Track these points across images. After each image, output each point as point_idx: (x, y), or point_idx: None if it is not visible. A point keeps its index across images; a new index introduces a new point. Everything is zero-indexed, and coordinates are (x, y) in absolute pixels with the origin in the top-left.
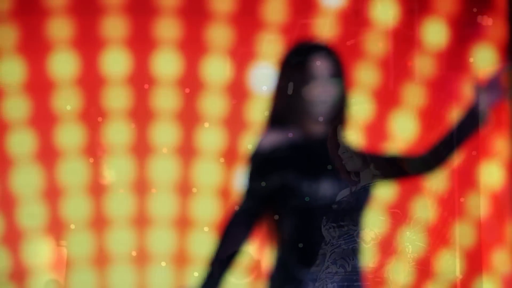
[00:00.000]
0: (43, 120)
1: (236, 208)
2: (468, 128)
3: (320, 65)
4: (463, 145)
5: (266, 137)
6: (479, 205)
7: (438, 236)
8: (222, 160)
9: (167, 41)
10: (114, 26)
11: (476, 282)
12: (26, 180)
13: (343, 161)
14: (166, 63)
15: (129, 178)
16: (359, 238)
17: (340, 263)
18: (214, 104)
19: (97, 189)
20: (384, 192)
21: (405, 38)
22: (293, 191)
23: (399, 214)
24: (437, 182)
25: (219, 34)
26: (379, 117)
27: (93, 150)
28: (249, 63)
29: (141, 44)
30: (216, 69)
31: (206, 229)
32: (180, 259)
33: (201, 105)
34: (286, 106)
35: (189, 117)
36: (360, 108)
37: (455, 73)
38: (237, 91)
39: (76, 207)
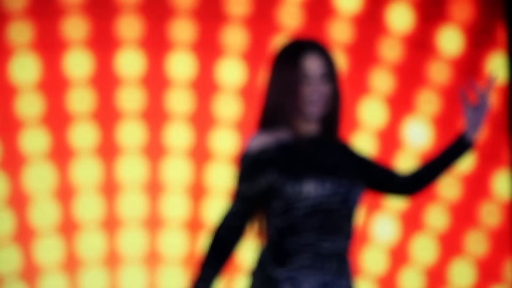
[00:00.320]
0: (57, 119)
1: (227, 210)
2: (457, 152)
3: (312, 63)
4: (449, 169)
5: (256, 137)
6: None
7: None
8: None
9: (181, 43)
10: (130, 27)
11: None
12: (39, 178)
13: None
14: (181, 65)
15: (142, 179)
16: (343, 240)
17: (320, 264)
18: (228, 107)
19: (109, 190)
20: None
21: (420, 44)
22: (281, 192)
23: None
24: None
25: (235, 37)
26: (393, 124)
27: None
28: (264, 67)
29: (156, 45)
30: (231, 72)
31: None
32: (192, 262)
33: (215, 108)
34: (277, 105)
35: (202, 120)
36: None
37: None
38: (251, 94)
39: (88, 207)
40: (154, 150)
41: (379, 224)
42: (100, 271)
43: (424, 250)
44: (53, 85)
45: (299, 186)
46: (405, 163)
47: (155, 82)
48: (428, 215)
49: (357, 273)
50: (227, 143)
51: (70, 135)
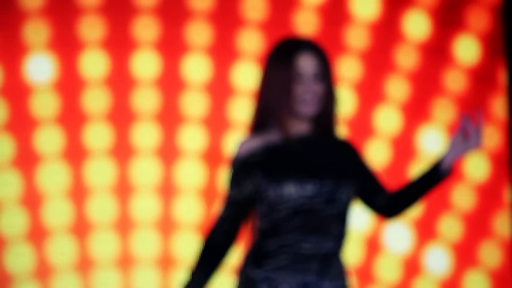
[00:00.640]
0: (72, 119)
1: (218, 215)
2: (431, 181)
3: (305, 62)
4: (423, 197)
5: (246, 141)
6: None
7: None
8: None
9: (197, 46)
10: (146, 29)
11: None
12: (53, 178)
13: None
14: (197, 68)
15: (156, 181)
16: (329, 240)
17: (299, 265)
18: (244, 110)
19: (123, 191)
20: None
21: (437, 51)
22: (264, 195)
23: None
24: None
25: (251, 41)
26: (408, 132)
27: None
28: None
29: (172, 47)
30: (247, 75)
31: None
32: None
33: (230, 111)
34: (270, 103)
35: (217, 123)
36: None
37: (484, 88)
38: None
39: (102, 208)
40: (169, 152)
41: (392, 233)
42: (113, 272)
43: (438, 260)
44: (69, 85)
45: (280, 189)
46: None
47: (171, 84)
48: (441, 225)
49: (350, 274)
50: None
51: (85, 136)
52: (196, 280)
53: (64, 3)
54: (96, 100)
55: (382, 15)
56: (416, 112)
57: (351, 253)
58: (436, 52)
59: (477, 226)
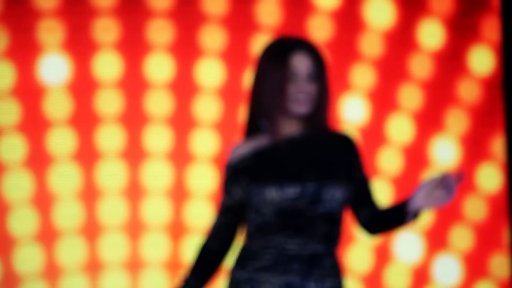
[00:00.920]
0: (85, 120)
1: (213, 221)
2: (399, 219)
3: (299, 61)
4: (396, 228)
5: (237, 147)
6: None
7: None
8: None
9: (212, 49)
10: (160, 32)
11: None
12: (64, 179)
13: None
14: (210, 71)
15: (167, 184)
16: (316, 241)
17: (282, 266)
18: None
19: (134, 193)
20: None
21: (451, 60)
22: (250, 200)
23: None
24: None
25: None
26: (420, 141)
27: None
28: None
29: (186, 51)
30: None
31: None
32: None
33: (242, 115)
34: (263, 102)
35: (229, 127)
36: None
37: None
38: None
39: (112, 210)
40: (181, 156)
41: (403, 242)
42: (122, 275)
43: (448, 270)
44: (82, 86)
45: (263, 194)
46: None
47: (184, 87)
48: (452, 235)
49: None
50: None
51: (97, 138)
52: (189, 286)
53: (79, 4)
54: (109, 102)
55: (397, 23)
56: (429, 121)
57: (362, 262)
58: (450, 61)
59: (488, 236)
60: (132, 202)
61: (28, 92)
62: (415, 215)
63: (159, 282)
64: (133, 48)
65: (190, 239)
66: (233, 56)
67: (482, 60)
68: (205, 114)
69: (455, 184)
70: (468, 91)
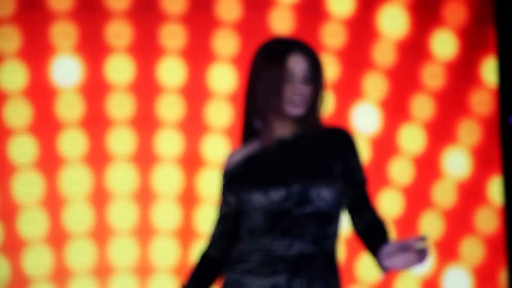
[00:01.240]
0: (96, 123)
1: (212, 230)
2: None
3: (295, 63)
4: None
5: (232, 154)
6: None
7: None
8: None
9: (224, 55)
10: (173, 36)
11: None
12: (75, 182)
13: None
14: (221, 77)
15: (177, 189)
16: (305, 241)
17: (269, 267)
18: None
19: (145, 197)
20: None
21: (464, 72)
22: (242, 206)
23: None
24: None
25: None
26: (432, 152)
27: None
28: None
29: (197, 55)
30: None
31: None
32: None
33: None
34: (259, 103)
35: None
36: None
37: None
38: None
39: (122, 213)
40: (192, 160)
41: None
42: (131, 278)
43: (458, 282)
44: (94, 89)
45: (250, 199)
46: (443, 193)
47: (195, 92)
48: (462, 247)
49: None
50: None
51: (108, 140)
52: None
53: (92, 6)
54: (120, 106)
55: (410, 32)
56: (440, 131)
57: (372, 275)
58: (463, 71)
59: (499, 249)
60: (142, 206)
61: (40, 93)
62: (384, 269)
63: (168, 287)
64: (146, 52)
65: (199, 244)
66: (245, 62)
67: (494, 71)
68: (217, 119)
69: (422, 247)
70: (481, 101)
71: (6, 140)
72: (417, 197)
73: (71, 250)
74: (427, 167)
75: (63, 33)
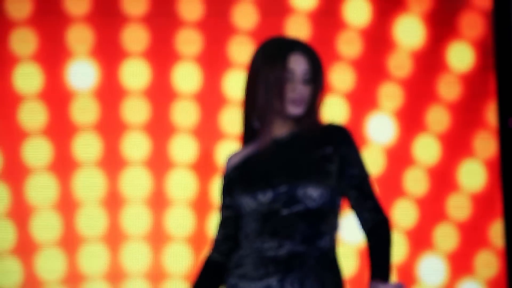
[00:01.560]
0: (110, 127)
1: (215, 233)
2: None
3: (295, 63)
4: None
5: (231, 157)
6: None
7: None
8: None
9: (239, 62)
10: (189, 41)
11: None
12: (88, 185)
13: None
14: (237, 84)
15: (191, 195)
16: (296, 242)
17: (262, 269)
18: None
19: (158, 202)
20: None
21: (478, 83)
22: (238, 208)
23: None
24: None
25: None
26: (446, 163)
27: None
28: None
29: (213, 62)
30: None
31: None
32: None
33: None
34: (258, 102)
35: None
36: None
37: None
38: None
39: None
40: (206, 167)
41: (427, 265)
42: (143, 284)
43: None
44: (109, 93)
45: (241, 203)
46: (456, 203)
47: (211, 98)
48: (477, 259)
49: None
50: None
51: (123, 145)
52: None
53: (108, 11)
54: (135, 111)
55: (426, 44)
56: (456, 143)
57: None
58: (479, 84)
59: None
60: (155, 211)
61: (56, 97)
62: None
63: None
64: (162, 57)
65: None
66: None
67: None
68: (232, 125)
69: None
70: (493, 112)
71: (21, 143)
72: (431, 208)
73: (84, 255)
74: (442, 178)
75: (80, 38)
